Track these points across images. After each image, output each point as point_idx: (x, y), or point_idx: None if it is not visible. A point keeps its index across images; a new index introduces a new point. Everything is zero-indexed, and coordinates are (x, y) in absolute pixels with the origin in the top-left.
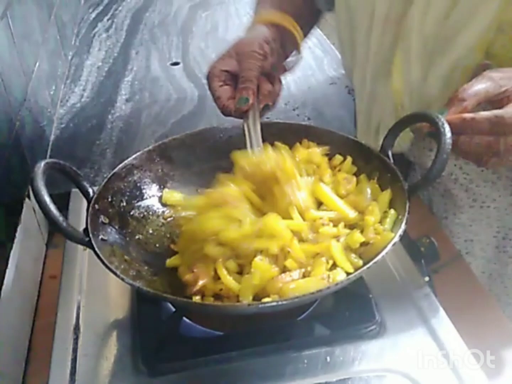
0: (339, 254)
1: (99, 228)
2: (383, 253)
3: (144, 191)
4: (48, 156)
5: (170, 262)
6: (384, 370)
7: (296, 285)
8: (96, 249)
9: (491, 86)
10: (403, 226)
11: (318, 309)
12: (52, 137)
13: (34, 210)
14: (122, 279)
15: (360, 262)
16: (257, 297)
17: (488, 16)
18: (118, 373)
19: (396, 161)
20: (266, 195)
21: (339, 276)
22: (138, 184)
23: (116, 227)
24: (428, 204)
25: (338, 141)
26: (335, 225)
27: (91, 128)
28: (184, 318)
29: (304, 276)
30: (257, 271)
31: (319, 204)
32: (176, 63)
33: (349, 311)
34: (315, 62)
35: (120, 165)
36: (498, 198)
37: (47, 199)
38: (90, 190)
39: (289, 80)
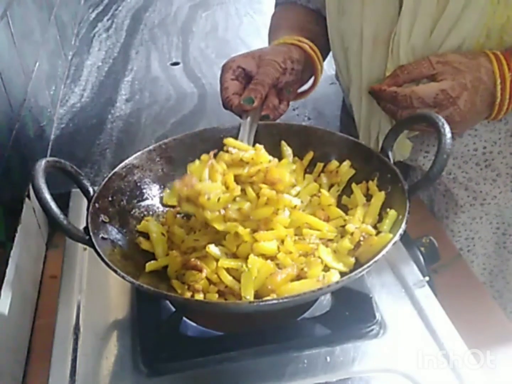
0: (327, 256)
1: (100, 227)
2: (383, 253)
3: (144, 190)
4: (48, 156)
5: (150, 266)
6: (384, 370)
7: (293, 286)
8: (97, 247)
9: (426, 67)
10: (403, 226)
11: (318, 309)
12: (52, 137)
13: (34, 210)
14: (123, 277)
15: (353, 260)
16: (257, 298)
17: (471, 23)
18: (118, 373)
19: (395, 162)
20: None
21: (334, 277)
22: (139, 184)
23: (117, 226)
24: (429, 204)
25: (338, 142)
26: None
27: (91, 128)
28: (184, 318)
29: (300, 275)
30: (254, 266)
31: None
32: (176, 63)
33: (349, 311)
34: None
35: (121, 165)
36: (499, 195)
37: (47, 196)
38: (91, 189)
39: None
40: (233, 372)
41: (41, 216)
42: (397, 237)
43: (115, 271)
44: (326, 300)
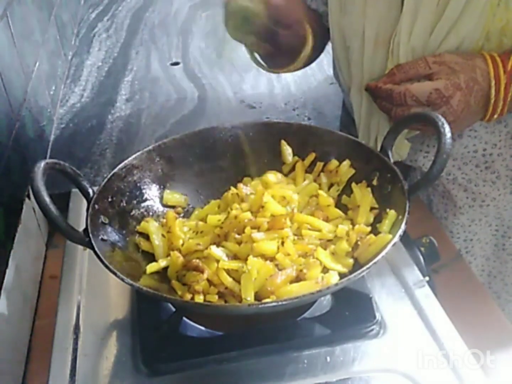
0: (326, 258)
1: (99, 228)
2: (383, 253)
3: (144, 191)
4: (48, 156)
5: (151, 268)
6: (384, 370)
7: (292, 288)
8: (96, 249)
9: (423, 67)
10: (403, 226)
11: (318, 309)
12: (52, 137)
13: (34, 210)
14: (122, 279)
15: (351, 261)
16: (257, 299)
17: (469, 25)
18: (118, 373)
19: (395, 162)
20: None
21: (333, 278)
22: (138, 184)
23: (116, 227)
24: (428, 205)
25: (338, 141)
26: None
27: (91, 128)
28: (184, 318)
29: (299, 277)
30: (253, 268)
31: None
32: (176, 63)
33: (349, 311)
34: (315, 62)
35: (120, 165)
36: (498, 197)
37: (47, 199)
38: (90, 190)
39: (289, 80)
40: (233, 372)
41: (41, 216)
42: (396, 238)
43: (115, 273)
44: (326, 300)
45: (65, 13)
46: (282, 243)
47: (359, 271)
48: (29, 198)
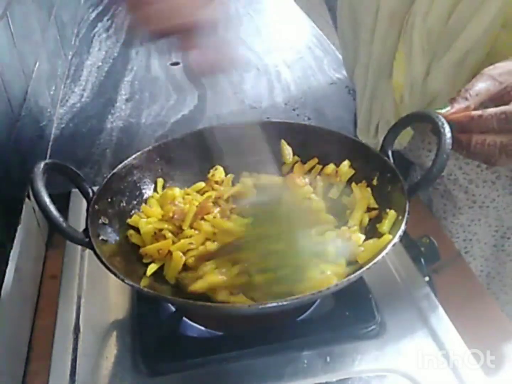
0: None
1: (99, 228)
2: (383, 253)
3: (144, 191)
4: (48, 156)
5: (150, 270)
6: (384, 370)
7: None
8: (96, 249)
9: (492, 84)
10: (403, 226)
11: (318, 309)
12: (52, 137)
13: (34, 210)
14: (122, 280)
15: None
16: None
17: (493, 11)
18: (118, 373)
19: (396, 161)
20: None
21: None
22: (138, 184)
23: (116, 227)
24: (428, 205)
25: (338, 141)
26: None
27: (91, 128)
28: (184, 318)
29: None
30: None
31: None
32: (176, 63)
33: (349, 311)
34: (315, 62)
35: (120, 165)
36: (497, 198)
37: (46, 199)
38: (90, 191)
39: (289, 80)
40: (233, 372)
41: (41, 216)
42: (396, 238)
43: (115, 274)
44: (326, 300)
45: (65, 13)
46: None
47: (359, 271)
48: (29, 198)
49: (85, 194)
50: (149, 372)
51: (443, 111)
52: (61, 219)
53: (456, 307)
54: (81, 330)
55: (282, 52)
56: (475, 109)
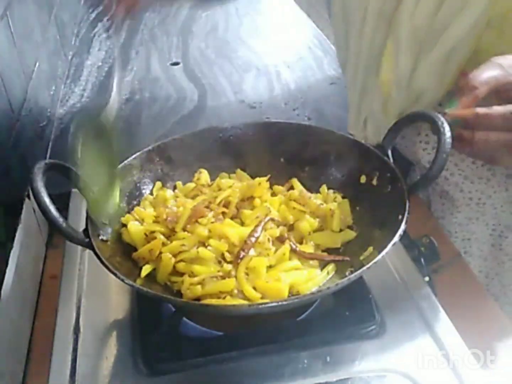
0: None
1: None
2: (383, 253)
3: (144, 191)
4: (48, 156)
5: (145, 271)
6: (384, 370)
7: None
8: (96, 249)
9: (501, 74)
10: (403, 226)
11: (318, 309)
12: (52, 137)
13: (34, 210)
14: (122, 280)
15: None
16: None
17: (478, 9)
18: (118, 373)
19: (396, 161)
20: None
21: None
22: (138, 184)
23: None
24: (426, 205)
25: (338, 141)
26: None
27: None
28: (184, 318)
29: None
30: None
31: None
32: (176, 63)
33: (349, 311)
34: (315, 62)
35: (120, 165)
36: (494, 195)
37: (46, 200)
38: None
39: (289, 80)
40: (233, 372)
41: (41, 216)
42: (396, 238)
43: (115, 274)
44: (326, 300)
45: (65, 13)
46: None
47: (359, 271)
48: (29, 198)
49: None
50: (149, 372)
51: (453, 108)
52: (61, 219)
53: (456, 307)
54: (81, 330)
55: (282, 52)
56: (482, 98)
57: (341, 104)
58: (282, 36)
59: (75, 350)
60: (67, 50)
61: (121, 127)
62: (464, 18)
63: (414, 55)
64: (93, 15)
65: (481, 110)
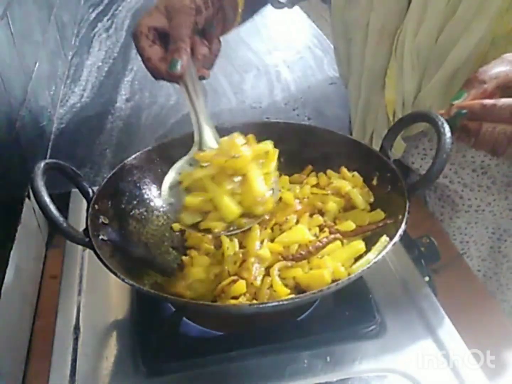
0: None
1: (99, 228)
2: (383, 253)
3: (144, 191)
4: (48, 156)
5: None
6: (384, 370)
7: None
8: (96, 249)
9: (510, 70)
10: (403, 226)
11: (318, 309)
12: (52, 137)
13: (34, 210)
14: (122, 280)
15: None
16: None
17: (481, 30)
18: (118, 373)
19: (395, 161)
20: None
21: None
22: (138, 184)
23: (116, 227)
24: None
25: (338, 141)
26: None
27: (91, 128)
28: (184, 318)
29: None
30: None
31: None
32: None
33: (349, 311)
34: (315, 62)
35: (120, 165)
36: (493, 202)
37: (47, 199)
38: (90, 191)
39: (289, 80)
40: (233, 372)
41: (41, 216)
42: (397, 238)
43: (115, 274)
44: (326, 300)
45: (65, 13)
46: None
47: (359, 271)
48: (29, 198)
49: (85, 194)
50: (149, 372)
51: (460, 100)
52: (61, 219)
53: (456, 307)
54: (81, 330)
55: (282, 52)
56: (490, 92)
57: (341, 104)
58: (282, 36)
59: (75, 350)
60: (67, 50)
61: (121, 127)
62: (467, 39)
63: (418, 77)
64: (93, 15)
65: (488, 101)
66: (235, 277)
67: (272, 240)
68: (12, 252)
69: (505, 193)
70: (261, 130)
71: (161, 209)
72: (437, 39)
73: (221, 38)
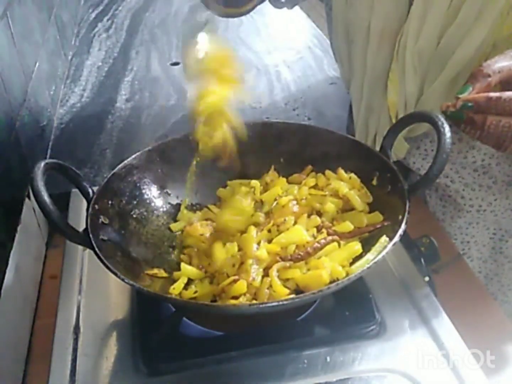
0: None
1: (99, 228)
2: (383, 253)
3: (144, 191)
4: (48, 156)
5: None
6: (384, 370)
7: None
8: (96, 249)
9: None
10: (403, 226)
11: (318, 309)
12: (52, 137)
13: (34, 210)
14: (122, 280)
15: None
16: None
17: (482, 33)
18: (118, 373)
19: (395, 162)
20: None
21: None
22: (138, 184)
23: (116, 227)
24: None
25: (337, 141)
26: None
27: (91, 128)
28: (184, 318)
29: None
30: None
31: None
32: (176, 63)
33: (349, 311)
34: (315, 62)
35: (120, 165)
36: (494, 202)
37: (47, 199)
38: (90, 191)
39: (289, 80)
40: (233, 372)
41: (41, 216)
42: (397, 238)
43: (115, 274)
44: (326, 300)
45: (65, 13)
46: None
47: (359, 271)
48: (29, 198)
49: (85, 194)
50: (149, 372)
51: (465, 94)
52: (61, 219)
53: (456, 307)
54: (81, 330)
55: (282, 52)
56: (494, 86)
57: (341, 104)
58: (282, 36)
59: (75, 350)
60: (67, 50)
61: (121, 127)
62: (469, 43)
63: (419, 80)
64: (93, 15)
65: (493, 94)
66: (236, 277)
67: (270, 241)
68: (12, 252)
69: (506, 192)
70: (261, 130)
71: (161, 209)
72: (439, 43)
73: (221, 38)
